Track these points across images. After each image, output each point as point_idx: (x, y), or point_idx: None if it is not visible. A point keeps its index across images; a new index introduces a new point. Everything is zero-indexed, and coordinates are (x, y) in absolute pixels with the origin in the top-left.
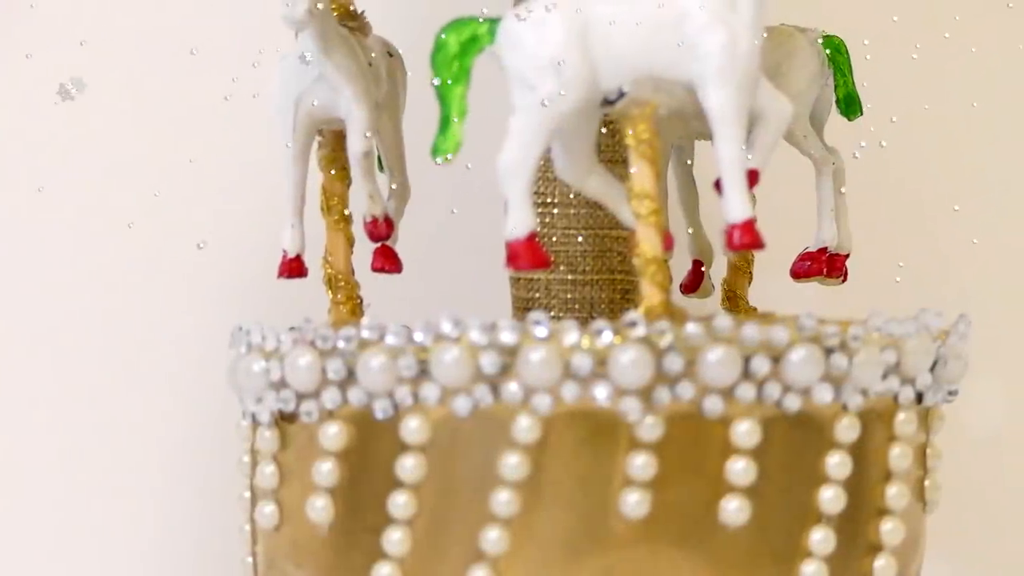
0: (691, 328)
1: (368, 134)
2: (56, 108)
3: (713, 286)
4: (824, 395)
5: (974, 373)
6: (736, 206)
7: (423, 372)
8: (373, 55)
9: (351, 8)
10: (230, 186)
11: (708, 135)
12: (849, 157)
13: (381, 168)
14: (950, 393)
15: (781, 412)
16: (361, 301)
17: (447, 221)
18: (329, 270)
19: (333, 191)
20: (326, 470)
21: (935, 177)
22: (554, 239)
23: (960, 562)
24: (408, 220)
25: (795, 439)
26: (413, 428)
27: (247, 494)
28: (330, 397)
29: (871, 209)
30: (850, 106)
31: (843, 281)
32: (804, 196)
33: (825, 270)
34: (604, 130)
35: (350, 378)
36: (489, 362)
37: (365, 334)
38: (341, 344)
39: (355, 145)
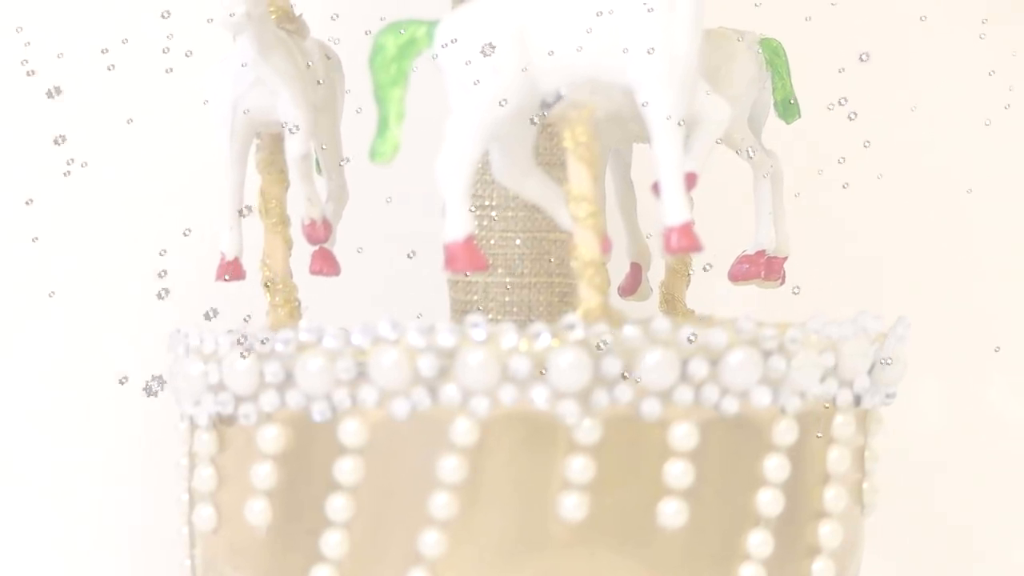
0: (629, 331)
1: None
2: None
3: (651, 289)
4: (762, 398)
5: (912, 376)
6: (674, 209)
7: (361, 375)
8: (311, 58)
9: (289, 11)
10: (168, 189)
11: (646, 138)
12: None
13: (319, 171)
14: (888, 396)
15: (719, 415)
16: (299, 304)
17: (385, 223)
18: (267, 273)
19: (271, 194)
20: (264, 473)
21: (874, 180)
22: (492, 242)
23: (898, 564)
24: (346, 222)
25: (733, 442)
26: (351, 430)
27: (185, 497)
28: (268, 400)
29: (809, 212)
30: (787, 109)
31: (781, 284)
32: (742, 199)
33: (763, 273)
34: (542, 133)
35: (288, 381)
36: (427, 365)
37: (303, 337)
38: (279, 347)
39: (293, 148)
